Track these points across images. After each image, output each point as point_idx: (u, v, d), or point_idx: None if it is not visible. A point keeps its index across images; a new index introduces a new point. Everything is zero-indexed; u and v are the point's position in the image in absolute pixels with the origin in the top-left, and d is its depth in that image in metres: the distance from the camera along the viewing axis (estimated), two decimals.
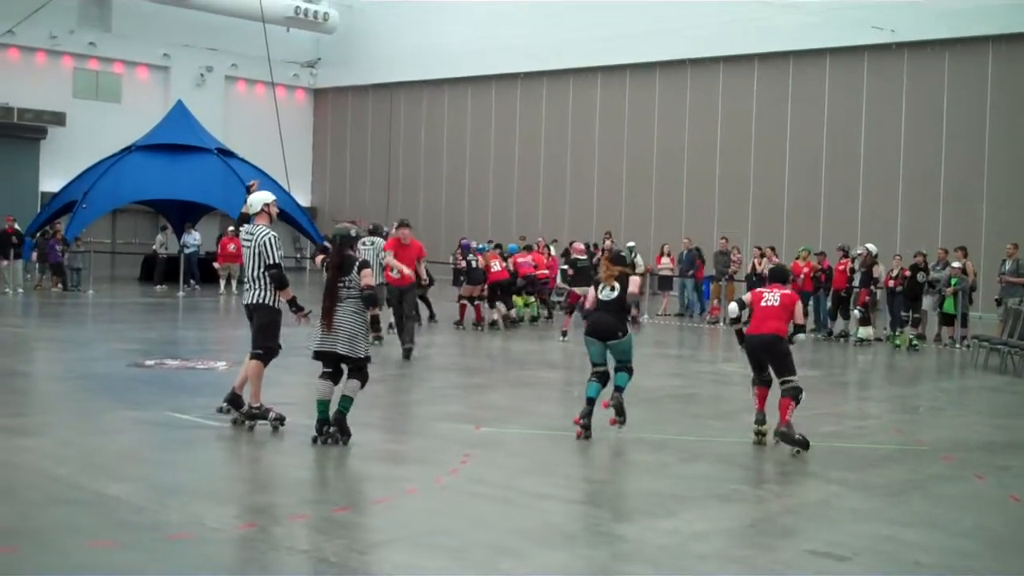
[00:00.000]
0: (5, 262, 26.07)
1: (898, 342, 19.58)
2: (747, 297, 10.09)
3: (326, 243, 10.24)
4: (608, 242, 25.84)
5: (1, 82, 35.62)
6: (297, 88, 43.77)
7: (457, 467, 8.26)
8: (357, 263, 9.04)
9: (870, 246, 21.19)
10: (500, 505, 7.27)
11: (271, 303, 9.54)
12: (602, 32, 33.97)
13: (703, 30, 32.07)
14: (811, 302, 21.31)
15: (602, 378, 9.82)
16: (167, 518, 6.64)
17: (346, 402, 8.89)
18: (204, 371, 13.24)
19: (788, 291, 9.93)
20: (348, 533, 6.42)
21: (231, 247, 26.60)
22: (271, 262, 9.42)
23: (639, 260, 25.35)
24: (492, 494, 7.52)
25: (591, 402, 9.70)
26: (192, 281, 28.65)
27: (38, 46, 36.88)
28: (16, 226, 26.79)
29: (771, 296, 9.80)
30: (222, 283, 27.47)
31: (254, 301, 9.54)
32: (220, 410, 9.84)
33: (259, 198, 9.70)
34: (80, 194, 29.36)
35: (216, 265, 28.03)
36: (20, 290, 25.84)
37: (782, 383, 9.52)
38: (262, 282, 9.49)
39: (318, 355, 8.99)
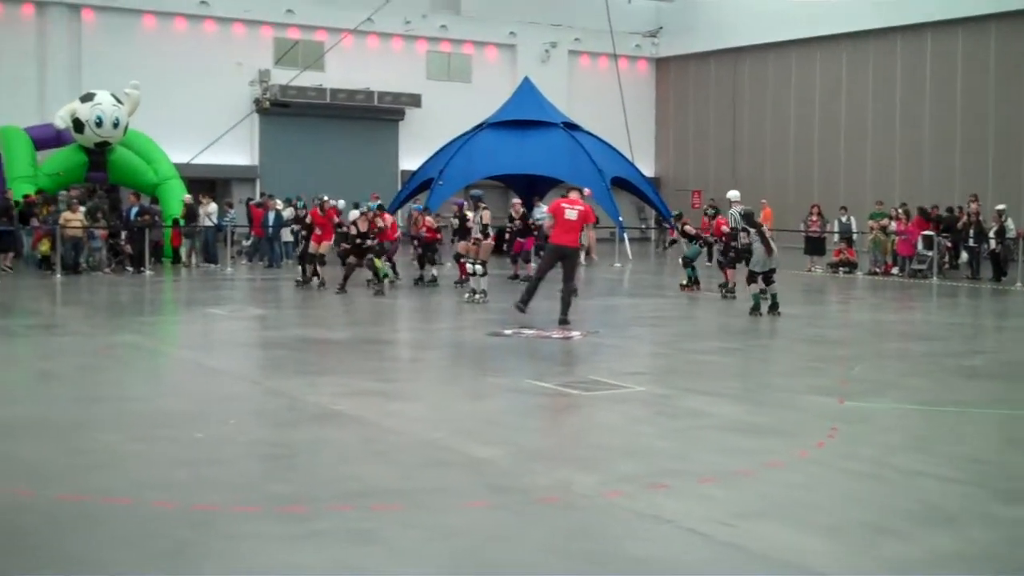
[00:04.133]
0: None
1: None
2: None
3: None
4: (974, 205, 24.37)
5: (362, 68, 37.93)
6: (639, 59, 43.84)
7: (824, 441, 7.92)
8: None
9: None
10: (873, 482, 6.89)
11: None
12: None
13: None
14: None
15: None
16: (534, 482, 6.76)
17: (776, 296, 15.64)
18: (560, 340, 13.46)
19: None
20: (714, 504, 6.27)
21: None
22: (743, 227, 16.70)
23: (1010, 224, 23.68)
24: (864, 470, 7.14)
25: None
26: (542, 253, 29.22)
27: (394, 32, 38.97)
28: (380, 203, 28.48)
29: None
30: None
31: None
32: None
33: (735, 193, 17.01)
34: (436, 171, 30.78)
35: None
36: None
37: None
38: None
39: (762, 272, 15.61)
